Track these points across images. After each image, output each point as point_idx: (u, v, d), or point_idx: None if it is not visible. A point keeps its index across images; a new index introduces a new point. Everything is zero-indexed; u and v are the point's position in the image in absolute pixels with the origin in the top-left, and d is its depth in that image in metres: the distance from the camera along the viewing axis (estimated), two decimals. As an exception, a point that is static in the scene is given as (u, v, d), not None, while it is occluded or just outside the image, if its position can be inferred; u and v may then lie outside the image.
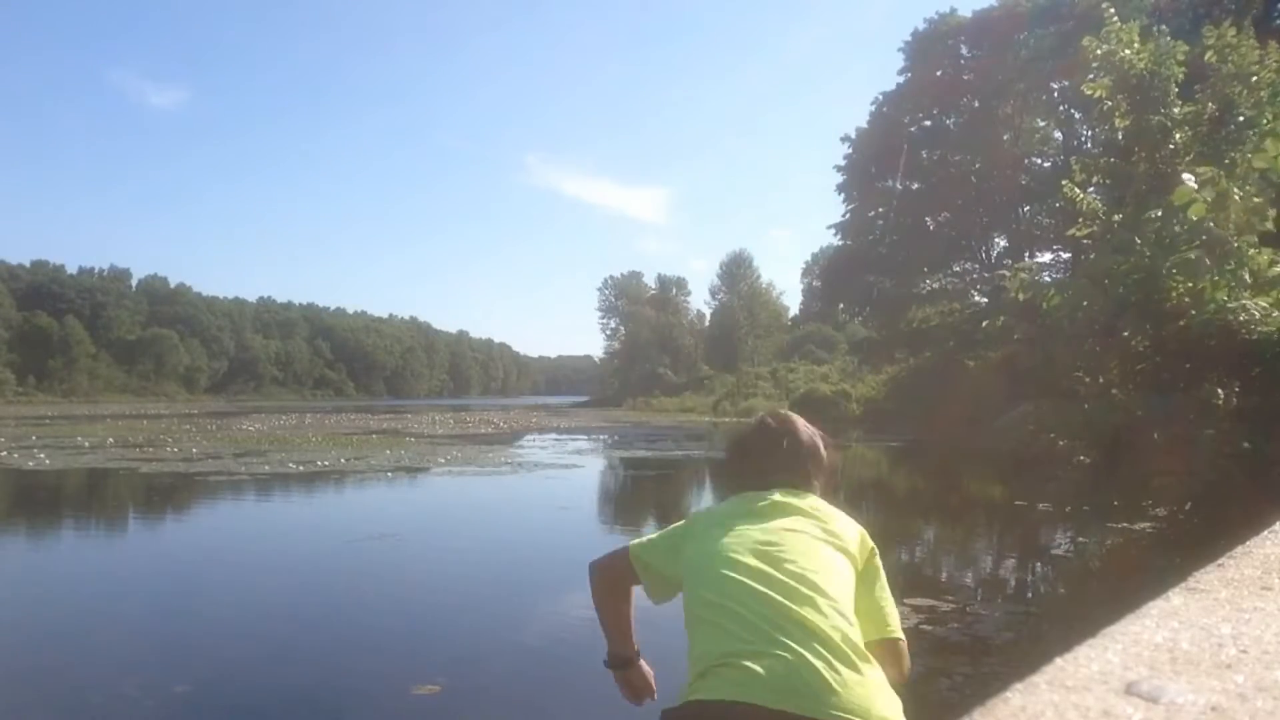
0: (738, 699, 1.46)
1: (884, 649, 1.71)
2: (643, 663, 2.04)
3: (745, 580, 1.63)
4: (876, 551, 1.84)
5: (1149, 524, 9.40)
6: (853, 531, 1.83)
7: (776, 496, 1.84)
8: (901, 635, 1.80)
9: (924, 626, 5.79)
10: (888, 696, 1.53)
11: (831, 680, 1.47)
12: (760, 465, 1.95)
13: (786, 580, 1.62)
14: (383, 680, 4.85)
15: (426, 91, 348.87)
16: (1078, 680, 0.71)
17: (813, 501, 1.86)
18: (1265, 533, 1.51)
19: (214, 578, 7.81)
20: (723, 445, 2.35)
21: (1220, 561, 1.20)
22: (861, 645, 1.58)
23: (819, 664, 1.48)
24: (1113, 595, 6.27)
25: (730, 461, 2.08)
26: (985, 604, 6.79)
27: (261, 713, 4.49)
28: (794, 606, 1.56)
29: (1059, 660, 0.75)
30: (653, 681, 2.04)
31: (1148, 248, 7.82)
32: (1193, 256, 7.06)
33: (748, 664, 1.49)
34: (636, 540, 1.92)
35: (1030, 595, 7.81)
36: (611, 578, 1.94)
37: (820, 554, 1.71)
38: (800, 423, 2.04)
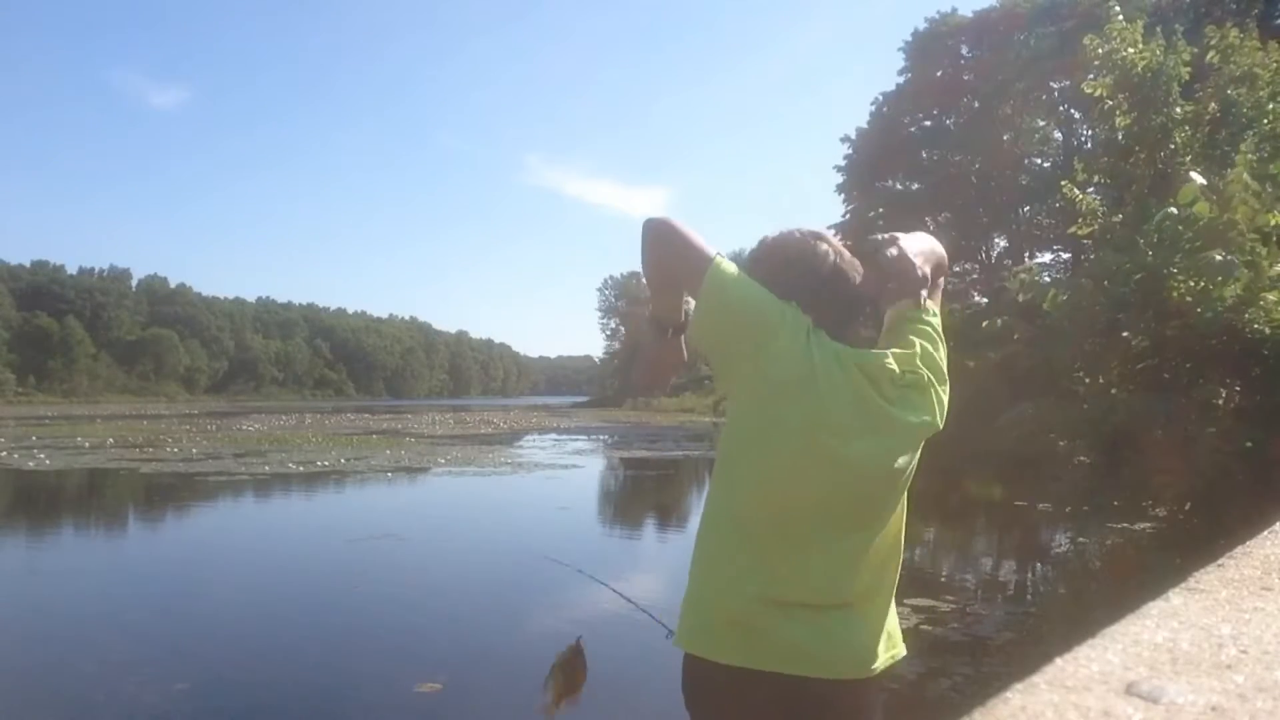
0: (802, 673, 1.44)
1: None
2: (683, 342, 1.69)
3: (808, 501, 1.47)
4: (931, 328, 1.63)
5: (1149, 524, 9.39)
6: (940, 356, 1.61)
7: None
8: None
9: (924, 626, 5.78)
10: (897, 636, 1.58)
11: (872, 644, 1.51)
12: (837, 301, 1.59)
13: (852, 508, 1.49)
14: (384, 679, 4.85)
15: (426, 91, 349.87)
16: (1078, 680, 0.71)
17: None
18: (1265, 533, 1.51)
19: (214, 577, 7.81)
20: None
21: (1220, 561, 1.20)
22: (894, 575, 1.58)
23: (861, 628, 1.50)
24: (1113, 595, 6.27)
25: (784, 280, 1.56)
26: (985, 604, 6.79)
27: (264, 710, 4.49)
28: (848, 563, 1.49)
29: (1059, 660, 0.75)
30: (675, 374, 1.73)
31: (1150, 247, 7.82)
32: (1216, 257, 7.04)
33: (794, 627, 1.45)
34: (726, 262, 1.51)
35: (1030, 595, 7.81)
36: (682, 253, 1.53)
37: (898, 442, 1.50)
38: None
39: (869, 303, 1.65)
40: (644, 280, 1.66)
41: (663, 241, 1.55)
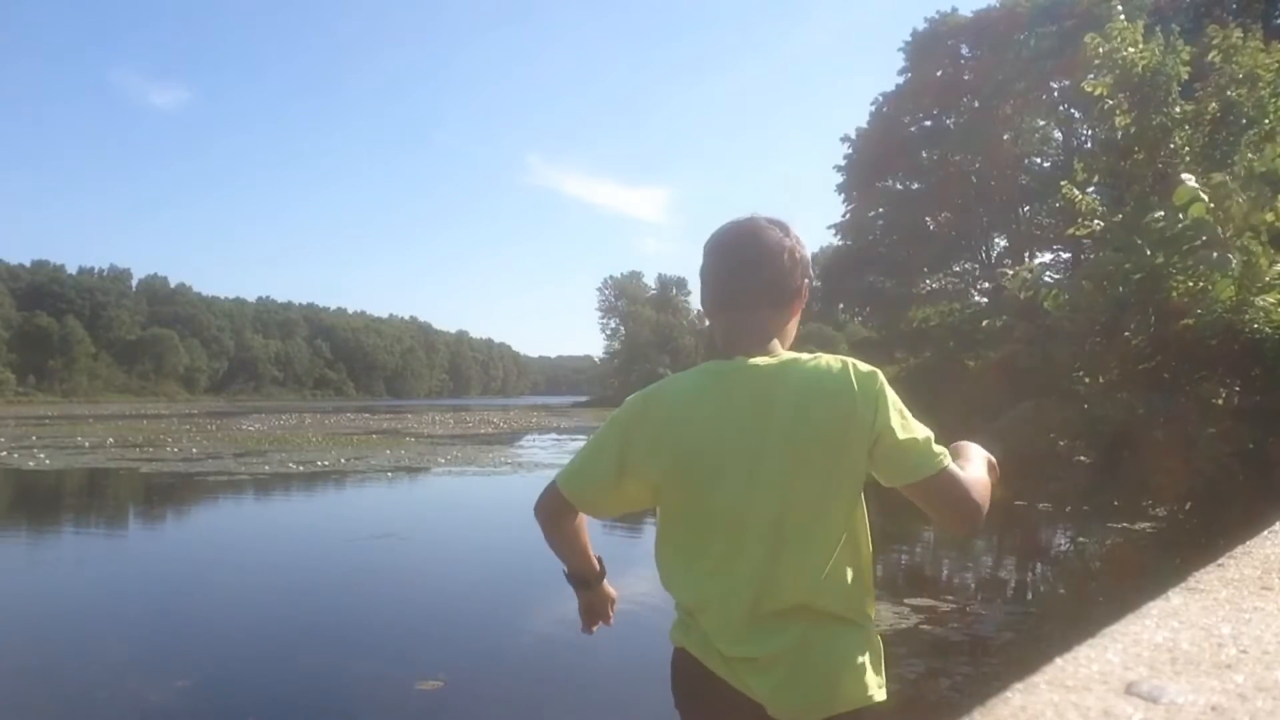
0: (753, 696, 1.42)
1: (923, 490, 1.47)
2: (606, 585, 1.80)
3: (725, 539, 1.47)
4: (882, 385, 1.50)
5: (1149, 524, 9.40)
6: (846, 391, 1.47)
7: (742, 375, 1.50)
8: (947, 463, 1.49)
9: (924, 626, 5.79)
10: (866, 668, 1.47)
11: (826, 681, 1.44)
12: (714, 297, 1.60)
13: (772, 540, 1.45)
14: (386, 676, 4.85)
15: (426, 91, 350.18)
16: (1078, 680, 0.71)
17: (789, 369, 1.50)
18: (1265, 533, 1.51)
19: (215, 577, 7.82)
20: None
21: (1220, 561, 1.20)
22: (859, 600, 1.50)
23: (810, 669, 1.43)
24: (1113, 595, 6.28)
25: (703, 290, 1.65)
26: (985, 604, 6.79)
27: (264, 708, 4.49)
28: (778, 594, 1.45)
29: (1059, 660, 0.75)
30: (612, 608, 1.81)
31: (1149, 247, 7.82)
32: (1212, 255, 7.04)
33: (744, 661, 1.44)
34: (565, 475, 1.62)
35: (1030, 595, 7.82)
36: (560, 520, 1.69)
37: (805, 466, 1.46)
38: (766, 232, 1.55)
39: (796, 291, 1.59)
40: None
41: (541, 524, 1.71)
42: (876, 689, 1.48)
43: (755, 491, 1.46)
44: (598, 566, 1.79)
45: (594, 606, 1.81)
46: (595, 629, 1.82)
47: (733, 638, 1.45)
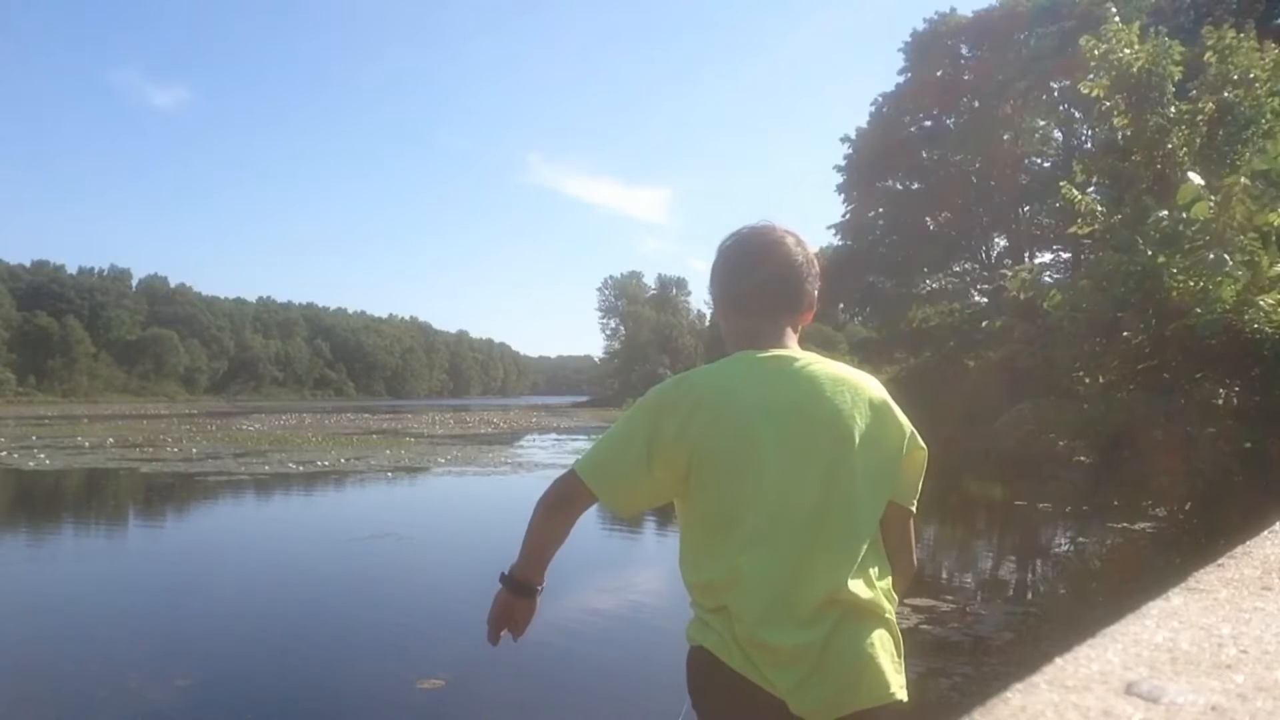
0: (793, 706, 1.41)
1: (901, 518, 1.60)
2: (537, 600, 1.76)
3: (777, 535, 1.46)
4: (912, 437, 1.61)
5: (1149, 524, 9.40)
6: (885, 401, 1.58)
7: (778, 366, 1.56)
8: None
9: (924, 626, 5.79)
10: (889, 664, 1.49)
11: (873, 672, 1.45)
12: (738, 300, 1.67)
13: (827, 530, 1.47)
14: (387, 675, 4.86)
15: (426, 91, 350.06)
16: (1078, 680, 0.71)
17: (822, 366, 1.58)
18: (1265, 533, 1.51)
19: (216, 576, 7.82)
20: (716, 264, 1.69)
21: (1220, 561, 1.20)
22: (886, 595, 1.51)
23: (859, 660, 1.44)
24: (1113, 595, 6.28)
25: (724, 287, 1.70)
26: (985, 604, 6.80)
27: (265, 706, 4.49)
28: (832, 578, 1.45)
29: (1059, 660, 0.75)
30: (526, 626, 1.78)
31: (1150, 246, 7.82)
32: (1211, 256, 7.03)
33: (790, 659, 1.42)
34: (587, 464, 1.60)
35: (1030, 595, 7.82)
36: (568, 510, 1.65)
37: (850, 462, 1.51)
38: (792, 243, 1.66)
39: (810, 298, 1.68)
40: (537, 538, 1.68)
41: (543, 509, 1.65)
42: (898, 688, 1.48)
43: (796, 480, 1.48)
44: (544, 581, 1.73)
45: (517, 615, 1.76)
46: (500, 640, 1.77)
47: (762, 619, 1.43)
